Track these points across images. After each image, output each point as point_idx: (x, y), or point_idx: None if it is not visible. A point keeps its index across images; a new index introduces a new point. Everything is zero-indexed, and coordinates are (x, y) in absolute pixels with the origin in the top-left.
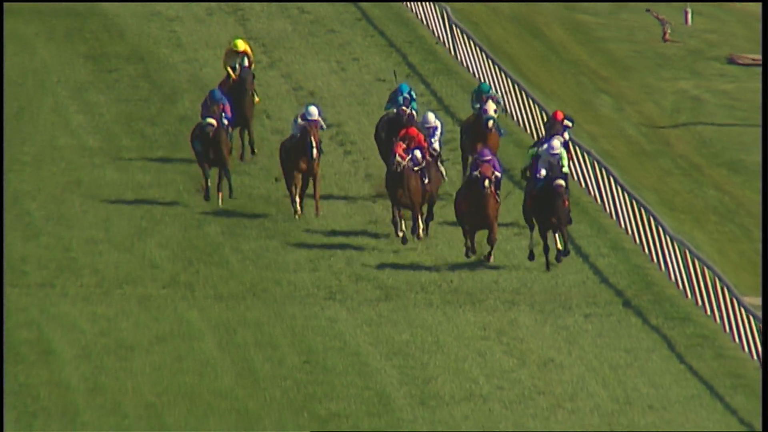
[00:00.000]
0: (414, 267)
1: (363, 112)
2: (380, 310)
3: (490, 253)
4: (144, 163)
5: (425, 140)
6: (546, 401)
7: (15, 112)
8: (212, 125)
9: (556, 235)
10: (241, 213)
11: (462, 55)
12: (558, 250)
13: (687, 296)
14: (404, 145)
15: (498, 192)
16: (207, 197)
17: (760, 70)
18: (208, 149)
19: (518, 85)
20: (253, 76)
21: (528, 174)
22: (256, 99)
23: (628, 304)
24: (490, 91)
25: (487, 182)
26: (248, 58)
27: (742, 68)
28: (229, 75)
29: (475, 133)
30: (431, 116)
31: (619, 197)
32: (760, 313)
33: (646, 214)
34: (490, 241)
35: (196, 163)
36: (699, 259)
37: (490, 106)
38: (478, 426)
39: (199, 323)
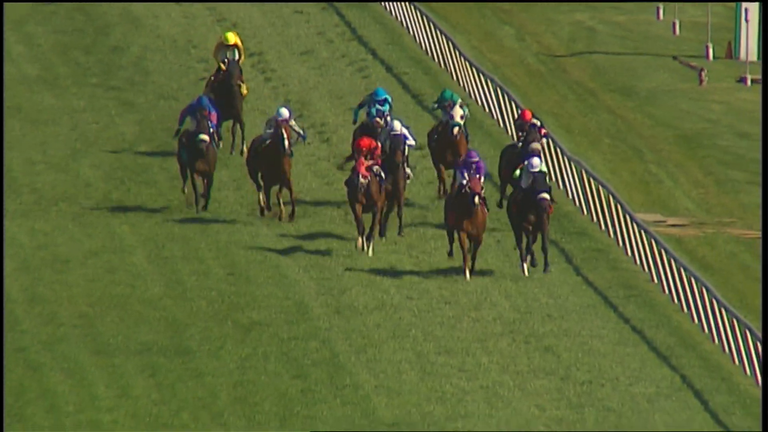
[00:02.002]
0: (331, 186)
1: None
2: (299, 227)
3: (469, 266)
4: (79, 90)
5: (401, 146)
6: (452, 310)
7: None
8: (205, 141)
9: (539, 239)
10: (169, 134)
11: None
12: (531, 255)
13: (583, 213)
14: (367, 163)
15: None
16: (190, 204)
17: (652, 3)
18: (196, 161)
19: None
20: (241, 70)
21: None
22: (244, 91)
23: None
24: (454, 97)
25: (476, 199)
26: (238, 51)
27: (635, 3)
28: (219, 68)
29: (443, 140)
30: (397, 124)
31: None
32: (651, 228)
33: (548, 139)
34: (473, 254)
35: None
36: (594, 178)
37: (457, 113)
38: (389, 333)
39: (129, 238)
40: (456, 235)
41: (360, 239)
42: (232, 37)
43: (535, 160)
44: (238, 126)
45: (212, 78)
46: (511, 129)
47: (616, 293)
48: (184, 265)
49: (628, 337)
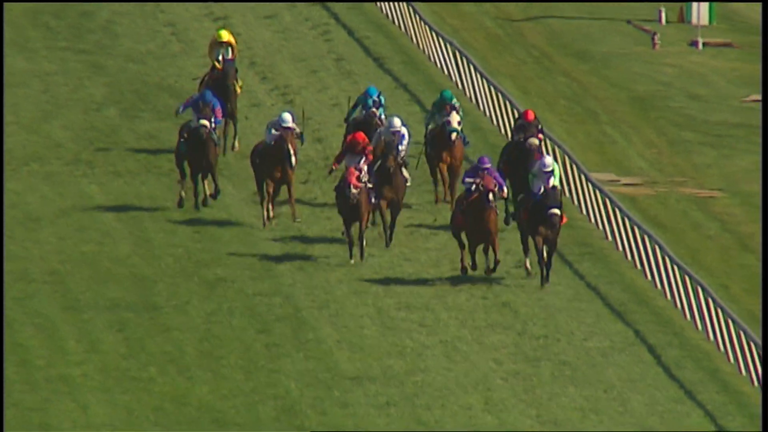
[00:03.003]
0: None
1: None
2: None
3: (494, 268)
4: (49, 53)
5: (397, 149)
6: (412, 267)
7: None
8: (205, 127)
9: (545, 252)
10: (137, 96)
11: None
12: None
13: None
14: (357, 173)
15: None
16: (181, 204)
17: None
18: (195, 151)
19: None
20: (236, 69)
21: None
22: (239, 89)
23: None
24: (453, 101)
25: (491, 196)
26: (232, 49)
27: None
28: (214, 66)
29: (440, 144)
30: (397, 121)
31: (479, 83)
32: (606, 188)
33: (502, 98)
34: (494, 261)
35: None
36: (550, 139)
37: (454, 118)
38: (351, 289)
39: (99, 197)
40: (464, 241)
41: (350, 251)
42: (226, 35)
43: (548, 160)
44: (231, 123)
45: (206, 76)
46: (470, 91)
47: (571, 250)
48: (151, 224)
49: (582, 293)
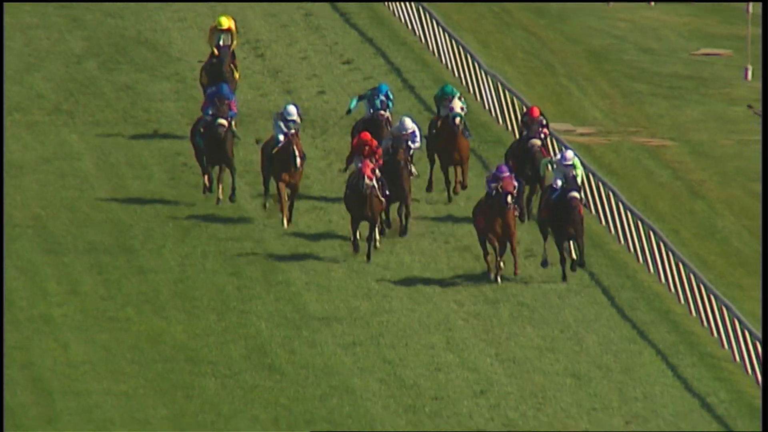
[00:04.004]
0: (264, 95)
1: None
2: (240, 132)
3: (515, 266)
4: (31, 8)
5: (404, 144)
6: None
7: None
8: (223, 126)
9: (572, 244)
10: (115, 49)
11: None
12: (573, 259)
13: (498, 122)
14: (372, 165)
15: (517, 206)
16: (207, 191)
17: None
18: (212, 147)
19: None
20: (234, 55)
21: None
22: (236, 75)
23: None
24: (454, 93)
25: (510, 198)
26: (231, 35)
27: None
28: (213, 53)
29: (442, 136)
30: (408, 121)
31: (440, 37)
32: (563, 137)
33: (463, 51)
34: (513, 260)
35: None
36: (509, 91)
37: (457, 104)
38: (319, 233)
39: (78, 146)
40: (488, 243)
41: (354, 246)
42: (226, 22)
43: (569, 153)
44: None
45: (206, 63)
46: (432, 45)
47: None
48: (128, 171)
49: (540, 239)
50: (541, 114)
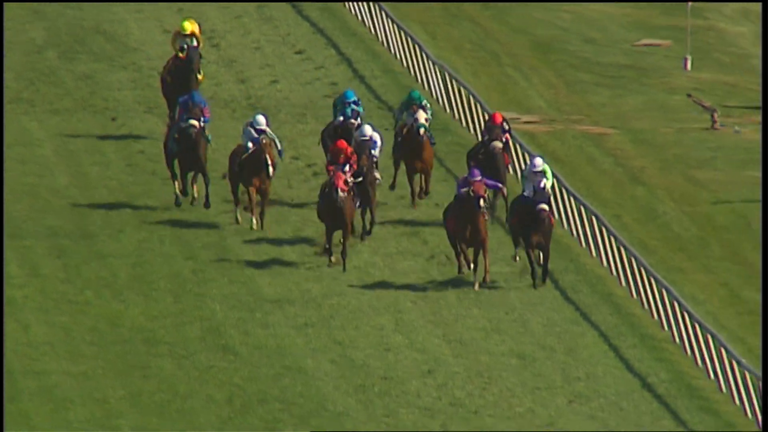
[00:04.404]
0: (218, 84)
1: None
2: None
3: (484, 278)
4: None
5: (367, 151)
6: None
7: None
8: (194, 127)
9: (540, 253)
10: (74, 39)
11: None
12: (540, 266)
13: (446, 111)
14: (344, 177)
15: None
16: (183, 195)
17: None
18: (185, 152)
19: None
20: (200, 56)
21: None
22: (200, 76)
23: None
24: (422, 101)
25: (482, 202)
26: (196, 39)
27: None
28: (176, 55)
29: (407, 142)
30: (368, 129)
31: (389, 28)
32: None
33: (412, 42)
34: (484, 265)
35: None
36: (456, 80)
37: (421, 115)
38: (272, 219)
39: (38, 133)
40: (459, 245)
41: (328, 255)
42: (189, 26)
43: (538, 160)
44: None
45: (169, 62)
46: (381, 36)
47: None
48: (87, 158)
49: (499, 240)
50: (504, 120)
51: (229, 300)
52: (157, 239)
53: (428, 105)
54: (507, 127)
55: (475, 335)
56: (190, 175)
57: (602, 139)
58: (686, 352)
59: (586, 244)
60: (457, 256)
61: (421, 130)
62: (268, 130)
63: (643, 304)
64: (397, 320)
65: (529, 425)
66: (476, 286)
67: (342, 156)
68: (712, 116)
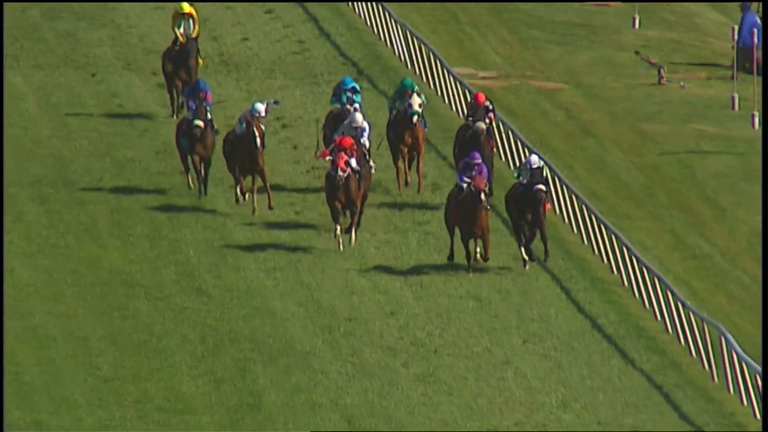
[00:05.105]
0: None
1: None
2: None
3: (486, 258)
4: None
5: (354, 139)
6: (298, 153)
7: None
8: (200, 127)
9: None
10: None
11: None
12: (545, 252)
13: (407, 67)
14: (346, 157)
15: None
16: (193, 188)
17: None
18: (194, 146)
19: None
20: (198, 49)
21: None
22: (201, 61)
23: (361, 72)
24: (413, 86)
25: (483, 196)
26: (193, 20)
27: None
28: (176, 38)
29: (401, 128)
30: (358, 117)
31: None
32: (466, 81)
33: (374, 2)
34: (484, 257)
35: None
36: (417, 38)
37: (415, 101)
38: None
39: (22, 87)
40: (459, 236)
41: (337, 235)
42: (187, 7)
43: (534, 158)
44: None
45: (169, 49)
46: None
47: (435, 135)
48: (68, 110)
49: (445, 172)
50: (487, 99)
51: (202, 245)
52: (135, 187)
53: (421, 91)
54: (490, 107)
55: (435, 279)
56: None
57: (555, 94)
58: (634, 295)
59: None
60: (452, 244)
61: (414, 118)
62: (265, 115)
63: (593, 249)
64: (361, 264)
65: (486, 364)
66: (470, 272)
67: (346, 150)
68: (659, 72)
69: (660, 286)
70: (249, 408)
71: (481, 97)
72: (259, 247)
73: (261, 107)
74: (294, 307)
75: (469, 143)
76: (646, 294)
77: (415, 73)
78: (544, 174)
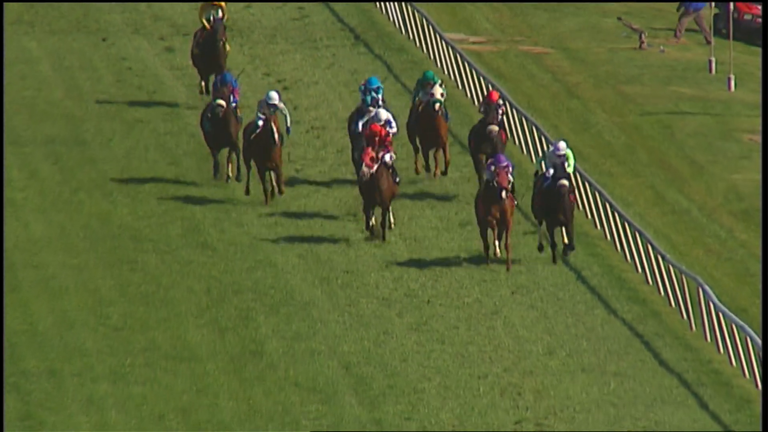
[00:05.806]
0: (197, 8)
1: None
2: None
3: (507, 262)
4: None
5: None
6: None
7: None
8: (222, 106)
9: (563, 230)
10: None
11: None
12: (564, 244)
13: (402, 32)
14: (372, 153)
15: (514, 193)
16: (216, 174)
17: None
18: (218, 130)
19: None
20: (225, 27)
21: (539, 174)
22: (227, 47)
23: (358, 37)
24: (435, 79)
25: (504, 193)
26: (221, 10)
27: None
28: (203, 26)
29: (423, 119)
30: (383, 112)
31: None
32: (458, 46)
33: None
34: (506, 246)
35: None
36: (410, 5)
37: (437, 90)
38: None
39: (37, 51)
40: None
41: (371, 227)
42: None
43: (561, 144)
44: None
45: (196, 35)
46: None
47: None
48: (80, 73)
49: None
50: (501, 97)
51: (207, 201)
52: (143, 147)
53: (442, 83)
54: (501, 103)
55: (428, 233)
56: (225, 151)
57: (541, 58)
58: (616, 248)
59: (527, 151)
60: (485, 240)
61: (437, 105)
62: (280, 105)
63: (577, 204)
64: (357, 219)
65: (476, 314)
66: (509, 268)
67: (377, 139)
68: (640, 37)
69: (641, 240)
70: (251, 355)
71: (495, 95)
72: (260, 202)
73: (275, 95)
74: (294, 259)
75: (483, 141)
76: (628, 247)
77: (409, 38)
78: (569, 160)
